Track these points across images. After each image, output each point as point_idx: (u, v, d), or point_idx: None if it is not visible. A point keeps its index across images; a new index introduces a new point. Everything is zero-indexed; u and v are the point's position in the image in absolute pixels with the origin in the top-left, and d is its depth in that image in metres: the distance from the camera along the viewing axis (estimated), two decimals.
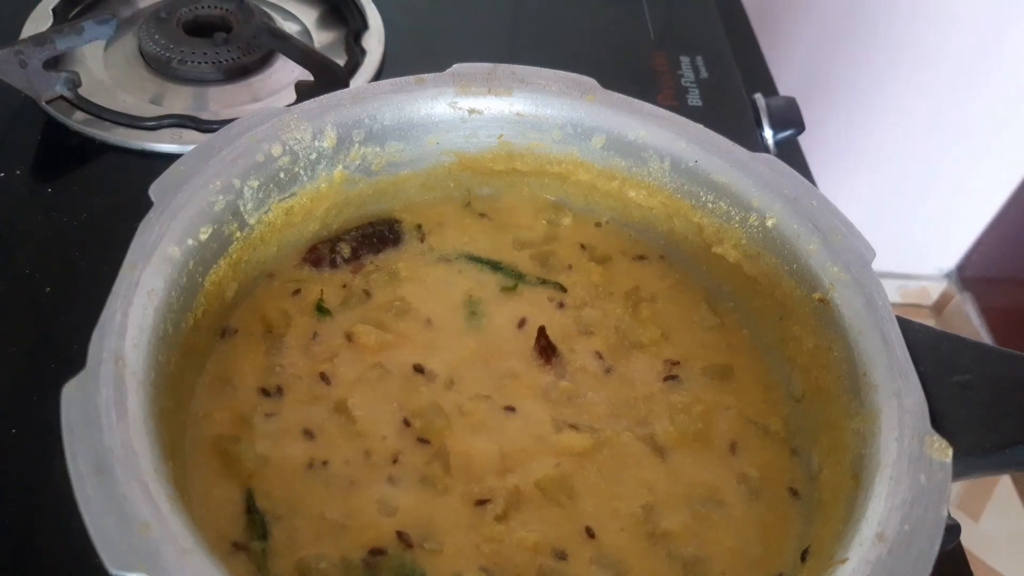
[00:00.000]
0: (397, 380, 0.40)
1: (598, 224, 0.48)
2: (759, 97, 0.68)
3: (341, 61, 0.63)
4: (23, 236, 0.51)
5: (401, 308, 0.43)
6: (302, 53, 0.61)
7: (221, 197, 0.38)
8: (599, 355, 0.42)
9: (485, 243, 0.46)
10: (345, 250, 0.44)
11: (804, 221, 0.41)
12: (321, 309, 0.42)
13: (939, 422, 0.34)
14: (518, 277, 0.45)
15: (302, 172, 0.42)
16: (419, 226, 0.46)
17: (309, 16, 0.69)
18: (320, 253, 0.44)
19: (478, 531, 0.35)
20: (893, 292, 1.60)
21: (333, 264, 0.44)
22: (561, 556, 0.35)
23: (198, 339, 0.38)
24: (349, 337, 0.41)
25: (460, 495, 0.36)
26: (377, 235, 0.45)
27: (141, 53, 0.63)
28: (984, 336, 1.53)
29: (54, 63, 0.58)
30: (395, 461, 0.37)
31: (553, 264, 0.46)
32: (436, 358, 0.41)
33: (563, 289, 0.45)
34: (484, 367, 0.41)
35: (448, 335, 0.42)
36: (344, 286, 0.43)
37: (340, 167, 0.43)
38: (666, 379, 0.42)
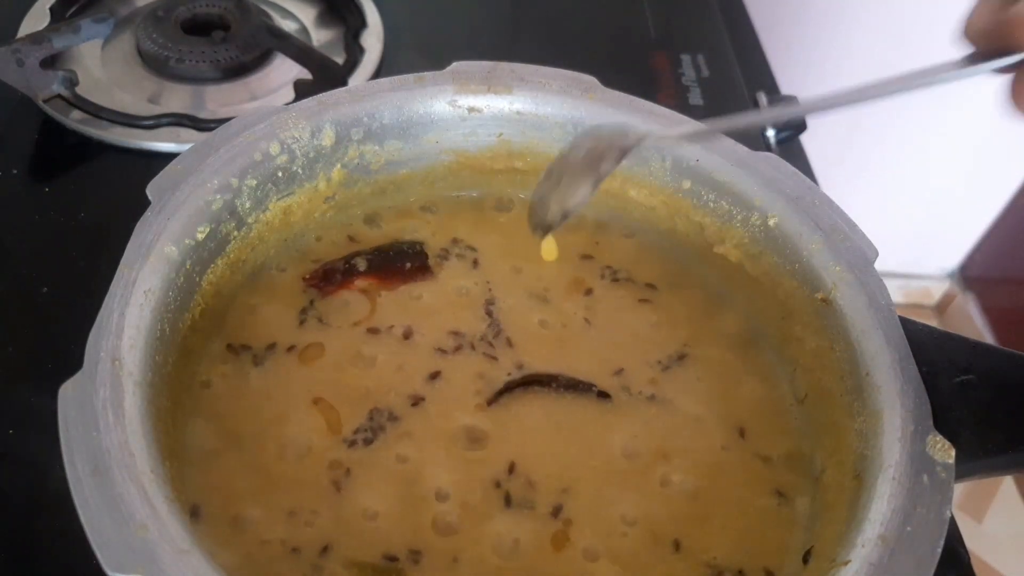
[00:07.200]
0: None
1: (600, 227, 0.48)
2: (761, 96, 0.67)
3: (340, 59, 0.63)
4: (20, 236, 0.51)
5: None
6: (300, 51, 0.60)
7: (219, 196, 0.38)
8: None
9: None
10: (361, 284, 0.42)
11: (806, 220, 0.41)
12: None
13: (941, 422, 0.34)
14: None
15: (300, 171, 0.41)
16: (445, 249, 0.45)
17: (307, 14, 0.69)
18: (331, 276, 0.42)
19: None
20: (895, 292, 1.60)
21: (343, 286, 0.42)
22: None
23: (195, 339, 0.38)
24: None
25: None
26: (397, 259, 0.44)
27: (139, 52, 0.62)
28: (987, 336, 1.52)
29: (51, 62, 0.58)
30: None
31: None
32: None
33: None
34: None
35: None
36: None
37: (339, 166, 0.43)
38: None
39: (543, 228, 0.35)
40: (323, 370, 0.40)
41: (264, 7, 0.67)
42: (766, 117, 0.35)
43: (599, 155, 0.34)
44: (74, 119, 0.56)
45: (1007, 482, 1.34)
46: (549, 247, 0.39)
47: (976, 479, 0.35)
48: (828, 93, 0.32)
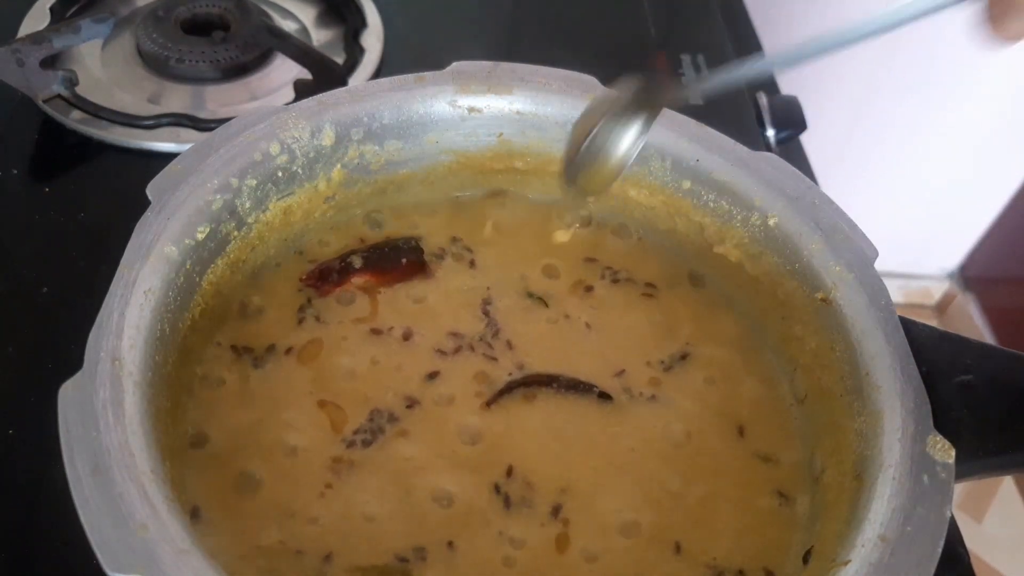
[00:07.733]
0: None
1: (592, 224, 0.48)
2: (761, 96, 0.67)
3: (340, 59, 0.63)
4: (20, 236, 0.51)
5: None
6: (300, 51, 0.60)
7: (218, 196, 0.38)
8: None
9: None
10: (357, 281, 0.42)
11: (806, 220, 0.41)
12: None
13: (942, 422, 0.34)
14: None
15: (300, 171, 0.41)
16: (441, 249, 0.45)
17: (308, 14, 0.69)
18: (327, 275, 0.42)
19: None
20: (895, 292, 1.60)
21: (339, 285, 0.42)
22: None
23: (195, 339, 0.38)
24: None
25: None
26: (393, 256, 0.44)
27: (139, 52, 0.62)
28: (987, 336, 1.52)
29: (51, 62, 0.58)
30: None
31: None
32: None
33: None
34: None
35: None
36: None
37: (339, 166, 0.43)
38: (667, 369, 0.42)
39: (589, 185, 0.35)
40: (322, 370, 0.40)
41: (264, 7, 0.67)
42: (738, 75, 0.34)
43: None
44: (74, 119, 0.56)
45: (1007, 482, 1.34)
46: (563, 232, 0.40)
47: (976, 479, 0.35)
48: (797, 44, 0.31)
